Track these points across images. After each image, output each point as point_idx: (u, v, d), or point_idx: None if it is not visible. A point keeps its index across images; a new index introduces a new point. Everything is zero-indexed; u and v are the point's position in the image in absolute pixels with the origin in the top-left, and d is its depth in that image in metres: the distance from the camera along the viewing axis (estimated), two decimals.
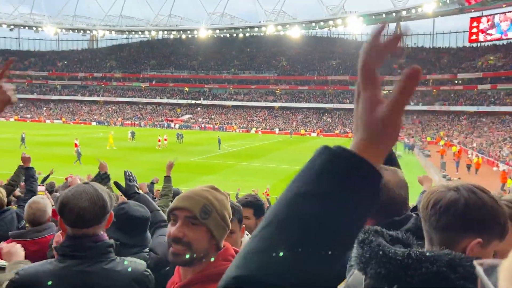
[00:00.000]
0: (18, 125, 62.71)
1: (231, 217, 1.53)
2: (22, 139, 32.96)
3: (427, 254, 1.03)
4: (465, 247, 1.10)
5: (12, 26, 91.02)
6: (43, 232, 2.77)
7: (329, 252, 0.56)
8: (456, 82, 69.98)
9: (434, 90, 70.84)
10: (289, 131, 63.74)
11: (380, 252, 1.07)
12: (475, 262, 0.48)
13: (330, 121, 70.66)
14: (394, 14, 72.41)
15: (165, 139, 36.84)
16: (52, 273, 1.58)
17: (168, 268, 2.08)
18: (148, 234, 2.40)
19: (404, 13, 72.18)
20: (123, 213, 2.24)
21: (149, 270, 1.81)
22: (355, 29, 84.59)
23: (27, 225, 2.94)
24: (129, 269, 1.70)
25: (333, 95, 76.56)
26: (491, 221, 1.10)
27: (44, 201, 2.94)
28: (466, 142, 48.61)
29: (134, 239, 2.20)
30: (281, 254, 0.54)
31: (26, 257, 1.88)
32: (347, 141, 54.30)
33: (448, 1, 65.81)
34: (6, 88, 1.40)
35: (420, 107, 67.86)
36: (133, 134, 43.38)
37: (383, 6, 74.43)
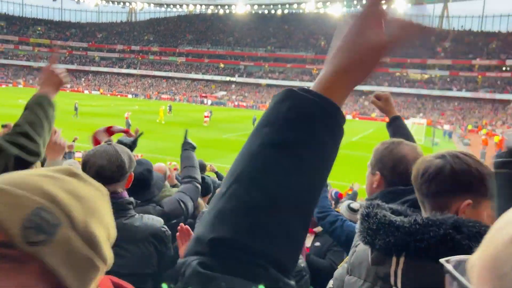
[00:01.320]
0: (59, 94, 64.50)
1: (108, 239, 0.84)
2: (76, 109, 33.94)
3: (433, 218, 1.06)
4: (457, 209, 1.15)
5: None
6: None
7: (308, 207, 0.54)
8: (503, 68, 66.15)
9: (479, 76, 67.32)
10: None
11: (387, 222, 1.10)
12: (441, 260, 0.47)
13: (367, 104, 68.76)
14: None
15: (206, 116, 36.06)
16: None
17: (174, 221, 2.20)
18: (154, 188, 2.43)
19: None
20: None
21: (165, 227, 1.90)
22: (400, 8, 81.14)
23: None
24: (146, 225, 1.80)
25: (372, 77, 73.92)
26: (477, 182, 1.16)
27: (76, 165, 2.93)
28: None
29: (136, 195, 2.14)
30: (259, 214, 0.50)
31: None
32: (384, 125, 52.59)
33: None
34: (58, 71, 1.69)
35: (463, 93, 64.83)
36: (170, 108, 44.01)
37: None
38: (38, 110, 1.55)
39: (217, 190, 2.57)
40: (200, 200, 3.43)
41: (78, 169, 2.62)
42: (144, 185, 2.30)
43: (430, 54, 73.20)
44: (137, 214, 1.82)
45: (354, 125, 49.30)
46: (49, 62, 1.73)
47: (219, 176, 7.38)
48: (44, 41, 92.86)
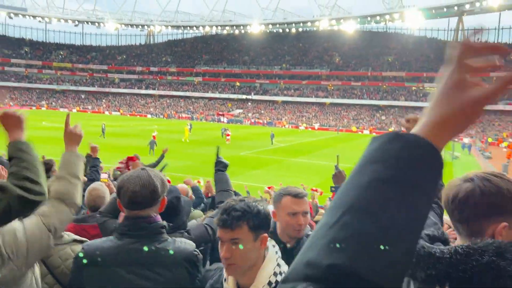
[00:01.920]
0: (80, 116, 66.41)
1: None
2: (103, 130, 34.70)
3: (474, 246, 1.02)
4: (493, 232, 1.11)
5: (76, 22, 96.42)
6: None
7: (414, 238, 0.56)
8: None
9: None
10: (335, 128, 62.66)
11: (427, 254, 1.07)
12: None
13: (384, 118, 68.60)
14: (456, 8, 68.73)
15: (227, 135, 36.70)
16: (111, 249, 1.76)
17: (201, 248, 2.23)
18: (183, 215, 2.52)
19: (467, 6, 68.29)
20: None
21: (197, 250, 1.92)
22: (414, 24, 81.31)
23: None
24: (179, 249, 1.82)
25: (388, 91, 74.22)
26: (510, 203, 1.12)
27: (103, 188, 3.12)
28: None
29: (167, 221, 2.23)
30: (373, 244, 0.53)
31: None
32: None
33: None
34: (13, 113, 1.75)
35: None
36: (190, 126, 45.07)
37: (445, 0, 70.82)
38: (24, 155, 1.63)
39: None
40: None
41: (104, 192, 3.05)
42: (173, 213, 2.37)
43: None
44: (170, 238, 1.85)
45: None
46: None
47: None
48: (66, 64, 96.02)
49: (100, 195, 3.04)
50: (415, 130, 0.65)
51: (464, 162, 32.02)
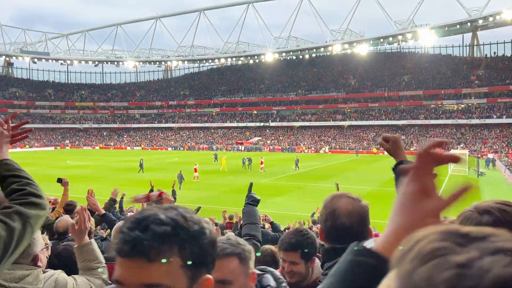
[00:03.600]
0: (103, 152, 67.90)
1: None
2: (141, 165, 35.16)
3: None
4: None
5: (96, 62, 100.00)
6: None
7: None
8: None
9: None
10: (354, 150, 62.14)
11: None
12: None
13: (404, 138, 67.78)
14: (469, 24, 68.53)
15: (261, 163, 36.74)
16: None
17: None
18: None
19: (480, 22, 67.97)
20: None
21: None
22: (427, 42, 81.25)
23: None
24: None
25: (406, 111, 73.61)
26: None
27: None
28: None
29: None
30: None
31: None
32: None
33: None
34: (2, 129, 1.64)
35: (504, 120, 62.76)
36: (216, 156, 47.13)
37: (457, 16, 70.74)
38: (21, 172, 1.58)
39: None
40: None
41: None
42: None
43: (464, 83, 72.07)
44: None
45: (392, 161, 48.52)
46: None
47: (274, 227, 7.11)
48: (87, 103, 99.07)
49: None
50: (380, 241, 0.72)
51: (490, 178, 31.20)
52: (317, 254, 2.36)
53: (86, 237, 2.31)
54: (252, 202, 3.01)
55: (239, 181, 28.84)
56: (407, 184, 0.72)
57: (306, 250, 2.21)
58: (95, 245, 2.31)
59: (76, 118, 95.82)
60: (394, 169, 1.93)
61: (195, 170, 29.42)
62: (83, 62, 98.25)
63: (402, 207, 0.72)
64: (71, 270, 2.28)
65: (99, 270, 2.24)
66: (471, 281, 0.37)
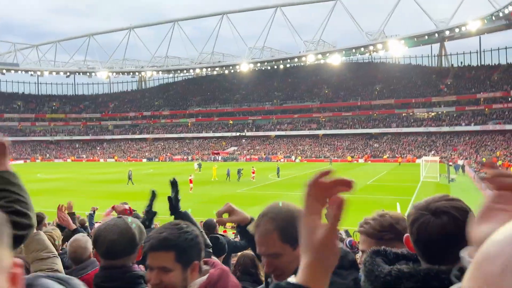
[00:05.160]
0: (75, 165, 66.31)
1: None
2: (129, 177, 34.55)
3: (405, 270, 1.07)
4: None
5: (68, 73, 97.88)
6: (86, 269, 2.80)
7: None
8: (510, 99, 66.62)
9: (487, 109, 67.74)
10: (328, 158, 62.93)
11: (368, 271, 1.16)
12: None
13: (378, 146, 69.12)
14: (436, 35, 70.93)
15: (253, 172, 36.86)
16: None
17: None
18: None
19: (447, 33, 70.52)
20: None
21: None
22: (397, 53, 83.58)
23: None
24: None
25: (379, 119, 75.18)
26: None
27: (85, 238, 3.02)
28: None
29: None
30: None
31: None
32: (396, 166, 52.77)
33: (493, 18, 63.65)
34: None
35: (472, 127, 64.95)
36: (199, 165, 46.87)
37: (425, 27, 73.04)
38: (13, 188, 1.48)
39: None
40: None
41: (86, 243, 2.97)
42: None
43: (434, 92, 74.30)
44: None
45: (366, 168, 49.40)
46: None
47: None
48: (59, 115, 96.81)
49: (81, 246, 2.92)
50: (300, 275, 0.78)
51: (461, 184, 32.13)
52: (206, 257, 1.84)
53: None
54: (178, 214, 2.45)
55: (233, 191, 28.67)
56: (302, 218, 0.80)
57: (184, 250, 1.51)
58: (43, 235, 2.20)
59: (47, 130, 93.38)
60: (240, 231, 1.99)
61: (190, 181, 29.01)
62: (54, 73, 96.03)
63: (303, 241, 0.79)
64: None
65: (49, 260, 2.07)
66: None
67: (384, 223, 1.79)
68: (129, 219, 1.85)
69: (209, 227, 5.79)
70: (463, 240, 0.96)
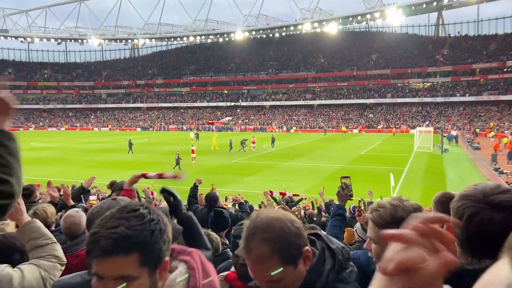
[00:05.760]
0: (69, 133, 65.98)
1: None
2: (130, 146, 34.53)
3: (468, 268, 1.07)
4: None
5: (59, 40, 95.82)
6: (80, 244, 2.76)
7: None
8: (505, 70, 66.44)
9: (482, 80, 67.62)
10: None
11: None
12: None
13: (372, 116, 69.18)
14: (435, 3, 69.75)
15: (253, 142, 37.04)
16: (81, 285, 1.63)
17: None
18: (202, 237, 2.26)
19: (445, 1, 69.35)
20: None
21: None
22: (395, 22, 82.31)
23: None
24: None
25: (374, 90, 74.91)
26: None
27: (78, 214, 2.94)
28: None
29: None
30: None
31: (69, 271, 1.94)
32: (390, 136, 52.99)
33: None
34: (4, 96, 1.40)
35: (467, 98, 65.03)
36: (197, 135, 46.84)
37: None
38: (1, 149, 1.36)
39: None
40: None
41: (80, 218, 2.85)
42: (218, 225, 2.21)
43: (430, 62, 73.81)
44: None
45: (361, 139, 49.64)
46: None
47: (242, 207, 6.92)
48: (51, 83, 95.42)
49: (75, 222, 2.86)
50: None
51: (454, 155, 32.43)
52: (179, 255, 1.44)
53: (26, 216, 2.10)
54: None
55: (229, 161, 28.79)
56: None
57: (150, 248, 1.11)
58: (38, 223, 2.14)
59: (40, 98, 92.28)
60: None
61: (193, 151, 28.98)
62: (44, 39, 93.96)
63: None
64: (16, 261, 2.08)
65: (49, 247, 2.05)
66: None
67: (395, 215, 1.58)
68: (123, 201, 1.78)
69: (211, 200, 5.76)
70: None
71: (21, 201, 2.05)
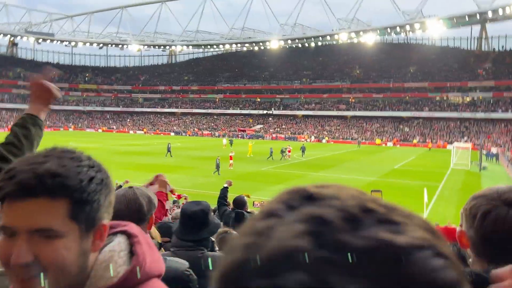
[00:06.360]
0: (106, 135, 67.98)
1: None
2: (168, 149, 35.43)
3: (483, 274, 1.00)
4: None
5: (101, 45, 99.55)
6: None
7: None
8: None
9: None
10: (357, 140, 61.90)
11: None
12: None
13: (408, 130, 67.44)
14: (478, 16, 67.60)
15: (289, 151, 37.00)
16: None
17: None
18: (204, 231, 2.38)
19: (490, 14, 67.03)
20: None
21: (190, 270, 1.87)
22: (435, 34, 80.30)
23: None
24: (167, 268, 1.38)
25: (411, 103, 73.09)
26: None
27: None
28: None
29: (187, 234, 2.27)
30: None
31: None
32: (426, 151, 51.42)
33: None
34: (48, 85, 1.54)
35: (509, 115, 62.24)
36: (231, 142, 48.02)
37: (466, 7, 69.77)
38: (20, 130, 1.43)
39: None
40: None
41: None
42: (195, 225, 2.31)
43: (471, 76, 71.37)
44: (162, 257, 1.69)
45: (395, 152, 48.43)
46: (37, 78, 1.55)
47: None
48: (91, 86, 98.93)
49: None
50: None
51: (492, 172, 31.04)
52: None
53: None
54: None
55: (258, 168, 28.77)
56: None
57: (86, 197, 0.86)
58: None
59: (80, 100, 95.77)
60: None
61: (231, 157, 29.16)
62: (87, 44, 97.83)
63: None
64: None
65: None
66: (255, 250, 0.32)
67: None
68: (139, 190, 1.85)
69: (238, 204, 5.88)
70: None
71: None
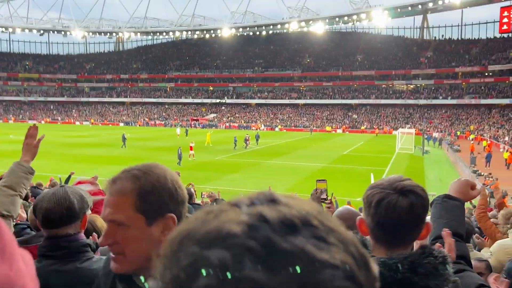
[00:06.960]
0: (50, 126, 64.76)
1: None
2: (123, 140, 34.14)
3: (389, 262, 1.06)
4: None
5: (42, 31, 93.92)
6: (42, 237, 2.71)
7: None
8: (486, 74, 67.74)
9: (464, 83, 68.80)
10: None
11: None
12: None
13: (356, 117, 69.78)
14: (420, 6, 70.71)
15: (247, 139, 36.96)
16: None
17: None
18: None
19: (430, 5, 70.33)
20: None
21: None
22: (380, 23, 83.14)
23: None
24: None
25: (359, 90, 75.53)
26: None
27: None
28: (498, 135, 47.04)
29: None
30: None
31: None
32: (373, 137, 53.55)
33: None
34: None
35: (449, 101, 66.08)
36: (187, 132, 47.37)
37: None
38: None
39: None
40: None
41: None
42: None
43: (414, 64, 74.78)
44: (96, 257, 1.75)
45: (344, 139, 50.02)
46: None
47: (217, 203, 6.88)
48: (32, 75, 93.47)
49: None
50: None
51: (435, 156, 32.91)
52: None
53: (30, 161, 2.25)
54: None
55: (212, 158, 28.54)
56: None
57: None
58: (29, 178, 2.18)
59: (20, 90, 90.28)
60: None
61: (191, 148, 28.56)
62: (27, 30, 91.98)
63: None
64: None
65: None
66: (201, 224, 0.41)
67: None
68: (70, 188, 1.82)
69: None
70: (423, 222, 1.20)
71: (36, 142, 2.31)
